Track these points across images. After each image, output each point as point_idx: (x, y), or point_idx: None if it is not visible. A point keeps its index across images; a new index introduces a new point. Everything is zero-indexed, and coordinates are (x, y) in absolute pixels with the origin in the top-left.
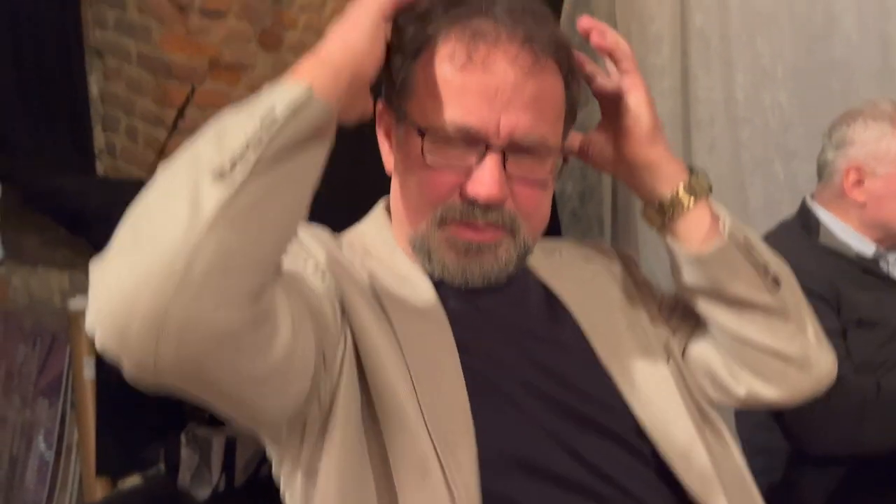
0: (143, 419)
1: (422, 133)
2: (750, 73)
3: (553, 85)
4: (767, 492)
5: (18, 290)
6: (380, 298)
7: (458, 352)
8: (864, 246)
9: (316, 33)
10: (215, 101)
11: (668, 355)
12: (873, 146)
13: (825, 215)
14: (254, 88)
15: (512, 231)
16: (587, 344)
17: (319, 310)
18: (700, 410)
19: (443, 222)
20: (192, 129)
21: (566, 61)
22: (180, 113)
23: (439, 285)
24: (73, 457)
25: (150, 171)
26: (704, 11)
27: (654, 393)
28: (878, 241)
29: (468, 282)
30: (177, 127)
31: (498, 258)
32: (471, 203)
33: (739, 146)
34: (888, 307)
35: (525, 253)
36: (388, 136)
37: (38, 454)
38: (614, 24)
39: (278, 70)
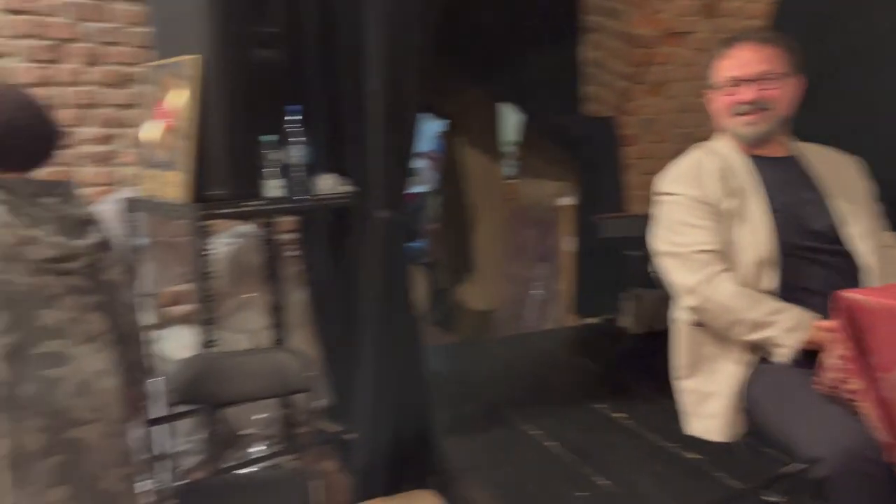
0: (617, 272)
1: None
2: None
3: (776, 52)
4: None
5: (527, 194)
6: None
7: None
8: None
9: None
10: (671, 59)
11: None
12: None
13: None
14: (698, 50)
15: (765, 109)
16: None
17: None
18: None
19: (734, 115)
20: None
21: (787, 48)
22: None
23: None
24: (556, 299)
25: (617, 112)
26: None
27: (867, 236)
28: None
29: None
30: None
31: (760, 123)
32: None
33: None
34: None
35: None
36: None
37: (535, 297)
38: None
39: (716, 34)
